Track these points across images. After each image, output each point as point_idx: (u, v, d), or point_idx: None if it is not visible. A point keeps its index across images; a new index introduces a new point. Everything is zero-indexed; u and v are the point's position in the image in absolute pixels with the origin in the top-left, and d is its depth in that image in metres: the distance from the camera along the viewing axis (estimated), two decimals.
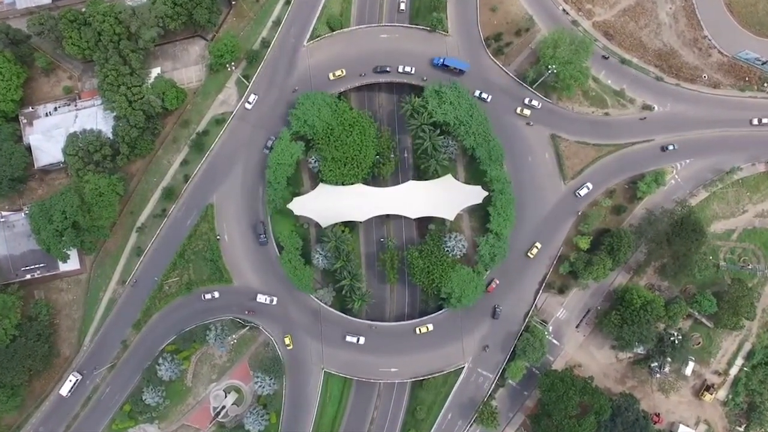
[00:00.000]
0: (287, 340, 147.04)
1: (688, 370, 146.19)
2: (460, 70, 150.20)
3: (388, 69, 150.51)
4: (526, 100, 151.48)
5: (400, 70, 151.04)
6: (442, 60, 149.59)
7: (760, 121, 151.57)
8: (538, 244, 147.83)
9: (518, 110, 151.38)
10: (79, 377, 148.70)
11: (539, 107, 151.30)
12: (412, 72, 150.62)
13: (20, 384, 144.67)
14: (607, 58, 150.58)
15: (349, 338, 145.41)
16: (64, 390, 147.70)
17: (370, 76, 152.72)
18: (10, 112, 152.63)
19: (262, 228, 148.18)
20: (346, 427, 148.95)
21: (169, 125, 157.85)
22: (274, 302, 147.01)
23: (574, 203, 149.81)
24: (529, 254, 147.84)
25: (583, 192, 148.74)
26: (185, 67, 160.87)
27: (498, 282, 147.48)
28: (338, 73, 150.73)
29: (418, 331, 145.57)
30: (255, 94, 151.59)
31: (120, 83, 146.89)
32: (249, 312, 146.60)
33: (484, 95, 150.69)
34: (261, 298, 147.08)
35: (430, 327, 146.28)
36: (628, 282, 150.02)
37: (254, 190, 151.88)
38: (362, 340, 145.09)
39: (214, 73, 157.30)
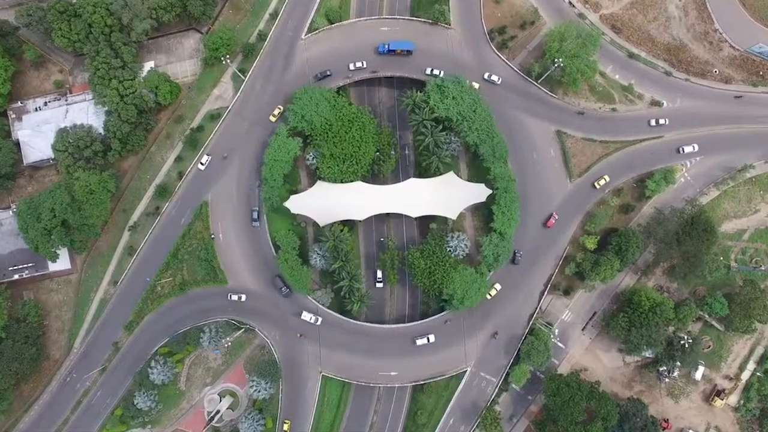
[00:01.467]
0: (286, 427, 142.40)
1: (698, 374, 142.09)
2: (407, 51, 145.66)
3: (329, 73, 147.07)
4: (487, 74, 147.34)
5: (352, 67, 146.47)
6: (387, 46, 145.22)
7: None
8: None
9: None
10: None
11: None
12: (364, 66, 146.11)
13: (7, 388, 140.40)
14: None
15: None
16: None
17: (369, 71, 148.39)
18: None
19: (281, 282, 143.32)
20: None
21: (163, 121, 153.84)
22: (319, 322, 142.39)
23: (590, 195, 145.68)
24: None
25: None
26: (180, 61, 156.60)
27: (557, 216, 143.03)
28: (276, 112, 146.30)
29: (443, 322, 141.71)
30: (209, 155, 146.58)
31: (111, 77, 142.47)
32: (301, 336, 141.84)
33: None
34: (306, 317, 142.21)
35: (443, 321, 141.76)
36: (635, 283, 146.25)
37: (250, 188, 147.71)
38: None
39: (209, 67, 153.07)
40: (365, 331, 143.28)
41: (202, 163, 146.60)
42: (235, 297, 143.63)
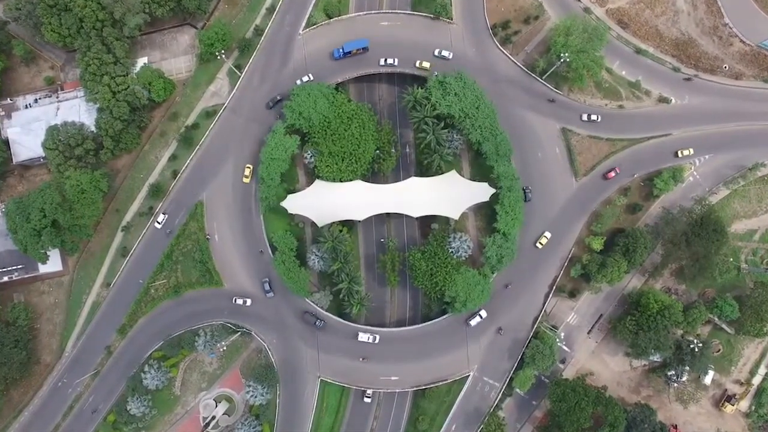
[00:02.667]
0: (247, 171, 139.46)
1: (708, 379, 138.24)
2: (364, 49, 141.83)
3: (279, 98, 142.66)
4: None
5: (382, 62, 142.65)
6: (341, 49, 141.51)
7: None
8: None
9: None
10: None
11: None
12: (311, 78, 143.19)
13: None
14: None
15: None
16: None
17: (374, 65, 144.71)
18: None
19: (313, 317, 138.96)
20: None
21: (157, 118, 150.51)
22: (376, 340, 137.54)
23: (596, 194, 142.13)
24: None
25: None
26: (174, 57, 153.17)
27: (618, 170, 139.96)
28: (247, 171, 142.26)
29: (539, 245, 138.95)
30: (164, 214, 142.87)
31: (103, 73, 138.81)
32: (363, 359, 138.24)
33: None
34: (363, 337, 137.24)
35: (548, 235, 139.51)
36: (643, 285, 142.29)
37: (246, 187, 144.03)
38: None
39: (204, 63, 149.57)
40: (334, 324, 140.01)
41: (158, 222, 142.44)
42: (240, 301, 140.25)
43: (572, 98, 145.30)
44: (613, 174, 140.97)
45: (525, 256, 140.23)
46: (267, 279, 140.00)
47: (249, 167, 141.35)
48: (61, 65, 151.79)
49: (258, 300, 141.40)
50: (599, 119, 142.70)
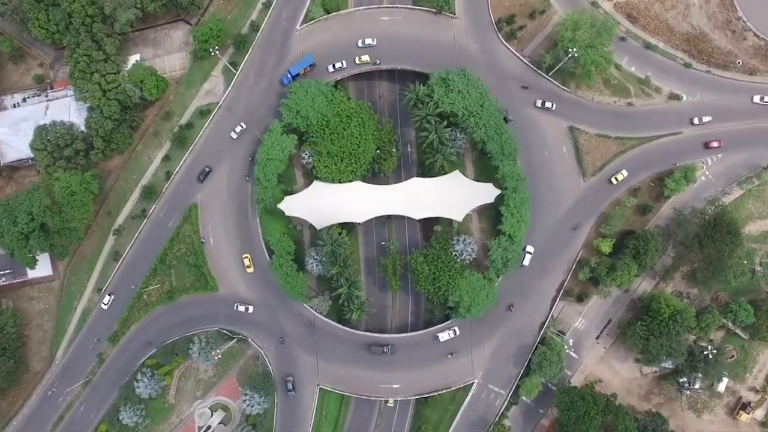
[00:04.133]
0: (246, 261, 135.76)
1: (722, 386, 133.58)
2: (311, 66, 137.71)
3: (208, 170, 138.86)
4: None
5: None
6: (289, 73, 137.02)
7: None
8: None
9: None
10: None
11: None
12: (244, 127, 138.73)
13: None
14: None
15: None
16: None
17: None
18: None
19: (380, 349, 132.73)
20: None
21: (150, 118, 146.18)
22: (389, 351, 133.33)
23: (605, 195, 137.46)
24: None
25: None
26: (168, 54, 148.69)
27: (721, 143, 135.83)
28: (246, 262, 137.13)
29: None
30: (110, 294, 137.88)
31: (93, 71, 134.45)
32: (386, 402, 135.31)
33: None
34: (444, 336, 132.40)
35: None
36: (653, 289, 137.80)
37: (242, 189, 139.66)
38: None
39: (198, 60, 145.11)
40: (365, 341, 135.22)
41: (105, 304, 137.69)
42: (242, 308, 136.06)
43: (580, 95, 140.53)
44: (716, 144, 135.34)
45: (531, 259, 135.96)
46: (291, 377, 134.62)
47: (247, 257, 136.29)
48: (51, 63, 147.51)
49: (260, 307, 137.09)
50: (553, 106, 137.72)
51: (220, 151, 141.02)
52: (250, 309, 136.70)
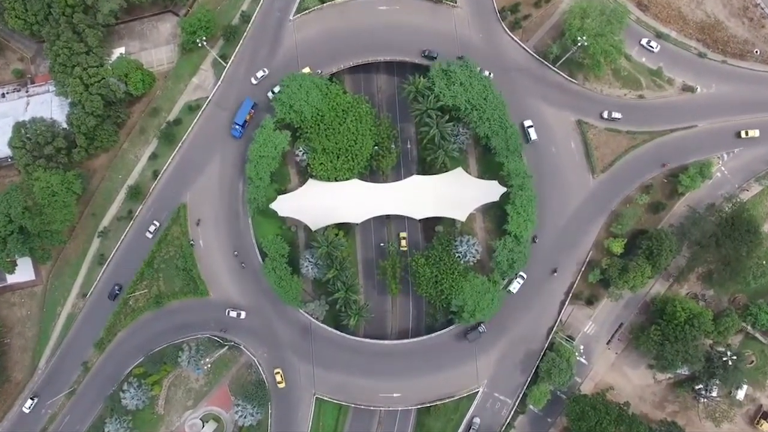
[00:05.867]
0: (278, 377, 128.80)
1: (741, 394, 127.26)
2: (253, 108, 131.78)
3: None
4: None
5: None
6: (236, 125, 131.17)
7: None
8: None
9: None
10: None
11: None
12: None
13: None
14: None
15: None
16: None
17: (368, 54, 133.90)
18: None
19: (477, 334, 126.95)
20: None
21: (136, 114, 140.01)
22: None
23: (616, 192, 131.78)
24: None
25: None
26: (155, 47, 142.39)
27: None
28: (278, 378, 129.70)
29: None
30: (33, 398, 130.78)
31: (74, 64, 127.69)
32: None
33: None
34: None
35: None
36: (666, 291, 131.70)
37: (233, 188, 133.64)
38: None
39: (187, 53, 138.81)
40: (364, 348, 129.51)
41: (26, 408, 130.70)
42: (234, 314, 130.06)
43: (588, 87, 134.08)
44: (752, 133, 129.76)
45: (538, 260, 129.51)
46: (279, 371, 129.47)
47: (279, 372, 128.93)
48: (32, 57, 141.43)
49: (252, 313, 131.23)
50: None
51: (210, 148, 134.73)
52: (243, 315, 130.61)
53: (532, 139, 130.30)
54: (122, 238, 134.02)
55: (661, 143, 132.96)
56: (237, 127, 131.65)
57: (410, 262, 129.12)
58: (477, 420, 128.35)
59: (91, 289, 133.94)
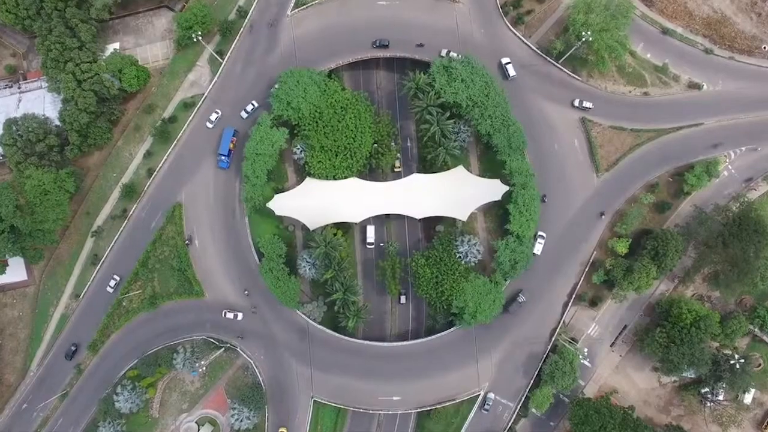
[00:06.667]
0: None
1: (748, 398, 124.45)
2: (234, 136, 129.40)
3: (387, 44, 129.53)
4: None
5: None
6: (222, 156, 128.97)
7: None
8: None
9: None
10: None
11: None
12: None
13: None
14: None
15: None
16: None
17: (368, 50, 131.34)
18: None
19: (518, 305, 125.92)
20: None
21: (131, 111, 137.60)
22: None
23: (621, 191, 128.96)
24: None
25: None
26: (150, 43, 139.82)
27: None
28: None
29: None
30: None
31: (66, 59, 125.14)
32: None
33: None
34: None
35: None
36: (672, 292, 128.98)
37: (229, 187, 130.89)
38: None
39: (182, 49, 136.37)
40: (363, 350, 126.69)
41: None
42: (230, 315, 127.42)
43: (592, 84, 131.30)
44: None
45: (541, 260, 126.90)
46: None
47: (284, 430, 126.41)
48: (24, 52, 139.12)
49: (249, 314, 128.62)
50: None
51: (205, 146, 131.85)
52: (239, 316, 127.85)
53: (511, 75, 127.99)
54: (116, 237, 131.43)
55: (667, 141, 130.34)
56: (223, 158, 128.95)
57: (410, 262, 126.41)
58: (492, 396, 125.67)
59: (85, 289, 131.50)
